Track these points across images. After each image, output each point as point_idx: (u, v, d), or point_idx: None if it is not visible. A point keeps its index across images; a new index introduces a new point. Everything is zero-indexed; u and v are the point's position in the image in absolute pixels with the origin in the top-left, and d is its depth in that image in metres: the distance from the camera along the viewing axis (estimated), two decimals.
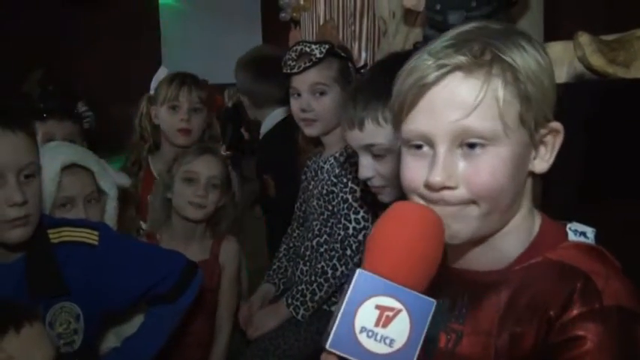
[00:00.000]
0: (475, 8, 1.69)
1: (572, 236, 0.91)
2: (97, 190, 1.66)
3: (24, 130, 1.30)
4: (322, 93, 1.82)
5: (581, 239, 0.90)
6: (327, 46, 1.82)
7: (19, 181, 1.27)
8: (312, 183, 1.91)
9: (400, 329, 0.71)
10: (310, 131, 1.87)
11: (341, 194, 1.76)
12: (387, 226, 0.79)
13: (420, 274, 0.75)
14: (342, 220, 1.74)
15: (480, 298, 0.90)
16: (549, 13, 1.98)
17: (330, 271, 1.73)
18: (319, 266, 1.76)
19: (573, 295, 0.81)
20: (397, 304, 0.72)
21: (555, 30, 1.99)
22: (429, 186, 0.85)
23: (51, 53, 5.81)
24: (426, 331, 0.72)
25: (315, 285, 1.75)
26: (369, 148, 1.37)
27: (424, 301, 0.72)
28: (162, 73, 2.32)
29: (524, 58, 0.84)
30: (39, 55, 5.55)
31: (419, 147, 0.88)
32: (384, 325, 0.71)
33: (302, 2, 6.25)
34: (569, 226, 0.92)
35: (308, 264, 1.86)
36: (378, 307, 0.72)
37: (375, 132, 1.34)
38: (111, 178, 1.70)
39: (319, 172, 1.88)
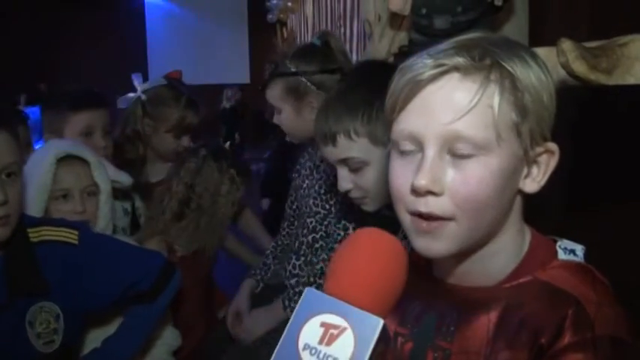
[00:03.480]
0: (461, 13, 1.70)
1: (561, 254, 0.89)
2: (94, 183, 1.65)
3: (6, 130, 1.29)
4: (279, 112, 1.88)
5: (571, 257, 0.89)
6: (272, 67, 1.87)
7: (0, 180, 1.26)
8: (307, 182, 1.89)
9: (344, 348, 0.68)
10: (292, 140, 1.96)
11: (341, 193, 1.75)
12: (342, 249, 0.77)
13: (373, 297, 0.73)
14: (342, 220, 1.71)
15: (469, 316, 0.87)
16: (534, 18, 1.99)
17: None
18: (318, 267, 1.73)
19: (564, 323, 0.79)
20: (342, 322, 0.69)
21: (540, 36, 2.01)
22: (413, 190, 0.82)
23: (37, 52, 5.78)
24: (371, 350, 0.68)
25: (314, 286, 1.74)
26: (344, 161, 1.35)
27: (370, 320, 0.69)
28: (159, 82, 2.25)
29: (525, 70, 0.82)
30: (25, 54, 5.53)
31: (407, 151, 0.85)
32: (328, 343, 0.68)
33: (290, 4, 6.27)
34: (558, 243, 0.90)
35: (302, 259, 1.84)
36: (323, 324, 0.69)
37: (348, 146, 1.32)
38: (106, 173, 1.69)
39: (315, 170, 1.87)
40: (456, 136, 0.80)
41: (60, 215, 1.57)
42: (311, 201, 1.83)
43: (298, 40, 6.02)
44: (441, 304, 0.92)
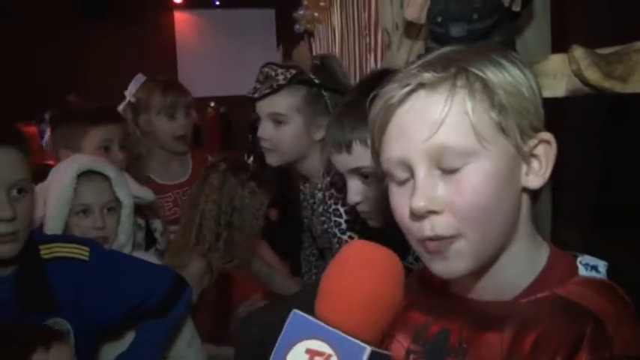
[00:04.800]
0: (477, 20, 1.66)
1: (582, 271, 0.85)
2: (114, 199, 1.65)
3: (15, 146, 1.30)
4: (281, 122, 1.68)
5: (593, 274, 0.85)
6: (293, 72, 1.68)
7: (9, 196, 1.27)
8: (314, 218, 1.82)
9: None
10: (268, 160, 1.76)
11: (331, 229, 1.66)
12: (332, 267, 0.75)
13: (365, 318, 0.71)
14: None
15: (483, 334, 0.84)
16: (557, 24, 1.94)
17: None
18: None
19: (582, 341, 0.75)
20: (327, 349, 0.67)
21: (563, 41, 1.95)
22: (413, 214, 0.81)
23: (67, 65, 5.90)
24: None
25: None
26: (357, 171, 1.31)
27: (356, 347, 0.67)
28: (139, 80, 2.36)
29: (496, 70, 0.81)
30: (55, 68, 5.65)
31: (401, 179, 0.84)
32: None
33: (316, 14, 6.26)
34: (579, 259, 0.87)
35: None
36: (308, 350, 0.67)
37: (364, 154, 1.28)
38: (127, 188, 1.69)
39: (314, 205, 1.79)
40: (439, 149, 0.79)
41: (79, 230, 1.59)
42: (324, 236, 1.77)
43: (326, 50, 6.00)
44: (455, 321, 0.89)
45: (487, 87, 0.79)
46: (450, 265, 0.82)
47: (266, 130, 1.71)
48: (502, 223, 0.82)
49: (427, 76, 0.80)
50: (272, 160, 1.75)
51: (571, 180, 1.64)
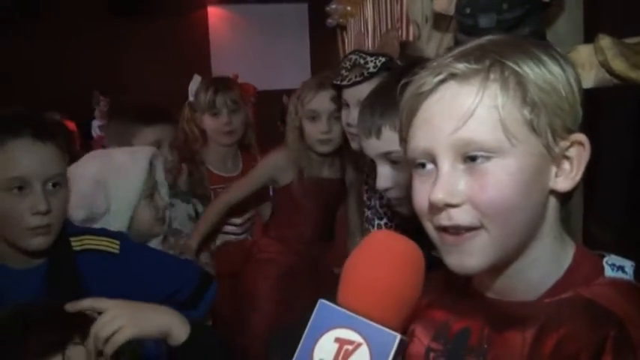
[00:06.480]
0: (507, 11, 1.63)
1: (608, 271, 0.83)
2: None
3: (53, 142, 1.34)
4: None
5: (619, 274, 0.83)
6: (382, 60, 1.72)
7: (45, 190, 1.31)
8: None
9: None
10: (355, 145, 1.81)
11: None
12: (355, 256, 0.74)
13: (389, 307, 0.70)
14: None
15: (504, 334, 0.83)
16: (590, 13, 1.89)
17: None
18: None
19: (605, 346, 0.73)
20: (357, 337, 0.67)
21: (597, 31, 1.91)
22: (432, 206, 0.80)
23: (100, 63, 5.99)
24: None
25: None
26: (386, 156, 1.32)
27: (386, 335, 0.67)
28: (196, 81, 2.51)
29: (534, 65, 0.78)
30: (88, 65, 5.74)
31: (423, 165, 0.83)
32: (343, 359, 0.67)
33: (349, 8, 6.24)
34: (605, 259, 0.84)
35: None
36: (337, 339, 0.68)
37: (393, 139, 1.24)
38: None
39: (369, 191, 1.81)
40: (465, 143, 0.78)
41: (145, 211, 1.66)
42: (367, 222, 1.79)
43: (359, 44, 5.98)
44: (477, 320, 0.88)
45: (521, 82, 0.77)
46: (467, 260, 0.81)
47: (356, 117, 1.71)
48: (525, 222, 0.81)
49: (460, 66, 0.78)
50: (358, 145, 1.76)
51: (604, 176, 1.61)
